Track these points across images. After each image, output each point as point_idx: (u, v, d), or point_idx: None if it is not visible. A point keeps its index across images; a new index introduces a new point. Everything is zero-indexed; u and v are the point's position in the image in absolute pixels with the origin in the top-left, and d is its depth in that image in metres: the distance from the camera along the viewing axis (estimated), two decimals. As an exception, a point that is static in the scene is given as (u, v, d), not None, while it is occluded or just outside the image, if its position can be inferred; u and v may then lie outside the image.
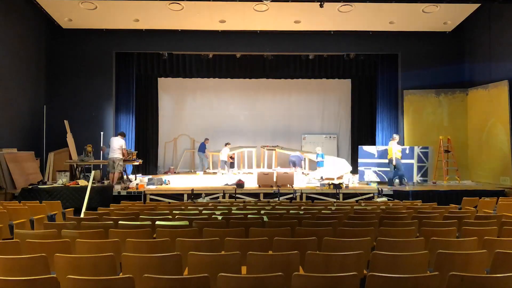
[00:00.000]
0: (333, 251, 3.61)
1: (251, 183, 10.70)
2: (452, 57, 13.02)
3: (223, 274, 2.71)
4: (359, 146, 11.77)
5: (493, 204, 7.05)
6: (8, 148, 10.13)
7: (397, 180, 10.54)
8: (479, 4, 11.12)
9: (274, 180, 10.27)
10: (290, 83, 15.58)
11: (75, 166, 11.17)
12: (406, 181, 10.67)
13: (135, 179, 11.42)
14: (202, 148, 14.37)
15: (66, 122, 11.80)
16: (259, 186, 10.15)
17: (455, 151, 12.25)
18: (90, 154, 11.34)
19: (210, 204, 7.34)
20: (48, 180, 10.66)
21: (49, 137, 11.86)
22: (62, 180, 9.76)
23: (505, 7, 10.86)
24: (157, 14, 11.49)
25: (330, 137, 15.71)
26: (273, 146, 14.63)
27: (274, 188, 10.04)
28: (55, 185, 9.55)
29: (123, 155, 10.28)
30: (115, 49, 12.84)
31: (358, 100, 15.53)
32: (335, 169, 12.31)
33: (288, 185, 10.17)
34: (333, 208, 6.67)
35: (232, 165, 14.17)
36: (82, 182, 9.69)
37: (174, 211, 6.09)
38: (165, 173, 14.44)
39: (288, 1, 10.33)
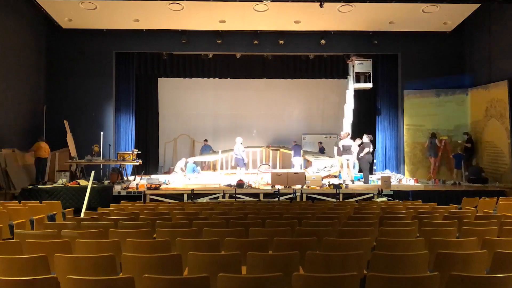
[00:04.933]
0: (333, 251, 3.61)
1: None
2: (452, 57, 13.01)
3: (223, 274, 2.71)
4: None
5: (493, 204, 7.05)
6: (8, 148, 10.14)
7: None
8: (479, 4, 11.11)
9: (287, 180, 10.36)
10: (290, 83, 15.57)
11: (75, 166, 11.18)
12: None
13: (134, 180, 11.42)
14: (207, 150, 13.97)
15: (66, 122, 11.80)
16: (273, 186, 10.22)
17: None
18: (97, 154, 11.38)
19: (210, 204, 7.35)
20: (48, 180, 10.67)
21: (49, 137, 11.83)
22: (62, 180, 9.77)
23: (505, 7, 10.85)
24: (157, 14, 11.48)
25: (330, 137, 15.70)
26: (277, 146, 14.67)
27: (276, 188, 10.05)
28: (55, 185, 9.56)
29: None
30: (115, 49, 12.83)
31: (358, 100, 15.48)
32: (326, 168, 12.43)
33: (298, 185, 10.21)
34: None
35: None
36: (82, 182, 9.70)
37: (174, 211, 6.09)
38: (165, 173, 14.42)
39: (288, 1, 10.33)
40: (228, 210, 6.22)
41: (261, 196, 9.78)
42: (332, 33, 12.81)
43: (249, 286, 2.74)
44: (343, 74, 14.92)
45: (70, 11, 11.31)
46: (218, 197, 9.63)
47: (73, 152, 11.46)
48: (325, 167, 12.56)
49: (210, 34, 12.68)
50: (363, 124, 15.23)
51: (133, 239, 3.85)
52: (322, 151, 14.46)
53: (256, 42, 12.78)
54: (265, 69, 14.54)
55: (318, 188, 10.14)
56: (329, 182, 10.47)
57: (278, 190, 9.76)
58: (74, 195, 9.06)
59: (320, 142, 14.95)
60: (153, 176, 12.30)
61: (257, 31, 12.69)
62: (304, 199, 9.67)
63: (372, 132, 14.55)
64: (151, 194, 9.64)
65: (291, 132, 15.76)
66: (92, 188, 8.29)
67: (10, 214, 5.81)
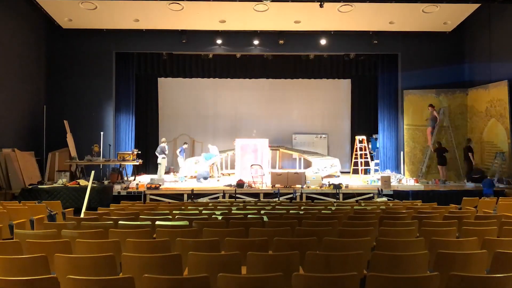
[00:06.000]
0: (333, 251, 3.61)
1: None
2: (452, 57, 13.00)
3: (223, 274, 2.71)
4: None
5: (493, 204, 7.05)
6: (8, 148, 10.14)
7: None
8: (479, 4, 11.11)
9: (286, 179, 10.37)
10: (290, 83, 15.56)
11: (75, 166, 11.19)
12: None
13: (134, 180, 11.42)
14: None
15: (66, 122, 11.80)
16: (273, 186, 10.22)
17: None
18: (97, 154, 11.40)
19: (210, 204, 7.35)
20: (47, 180, 10.67)
21: (49, 137, 11.85)
22: (62, 180, 9.77)
23: (505, 7, 10.86)
24: (157, 14, 11.48)
25: (320, 136, 15.69)
26: (277, 146, 14.66)
27: (276, 187, 10.05)
28: (55, 185, 9.56)
29: None
30: (115, 49, 12.82)
31: (358, 100, 15.52)
32: (326, 168, 12.48)
33: (298, 185, 10.22)
34: (333, 208, 6.67)
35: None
36: (82, 182, 9.70)
37: (174, 211, 6.09)
38: (165, 173, 14.39)
39: (288, 1, 10.33)
40: (228, 211, 6.21)
41: (261, 196, 9.79)
42: (332, 33, 12.80)
43: (249, 286, 2.74)
44: (343, 74, 14.94)
45: (70, 11, 11.31)
46: (218, 197, 9.63)
47: (73, 152, 11.46)
48: (325, 167, 12.57)
49: (210, 34, 12.67)
50: (363, 124, 15.26)
51: (133, 239, 3.85)
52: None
53: (256, 42, 12.79)
54: (265, 69, 14.55)
55: (318, 188, 10.15)
56: (329, 182, 10.48)
57: (278, 190, 9.76)
58: (74, 195, 9.06)
59: None
60: (154, 176, 12.27)
61: (257, 31, 12.69)
62: (304, 199, 9.68)
63: (372, 132, 14.60)
64: (151, 194, 9.64)
65: (292, 132, 15.78)
66: (92, 188, 8.28)
67: (10, 214, 5.81)
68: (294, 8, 10.98)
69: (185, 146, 13.22)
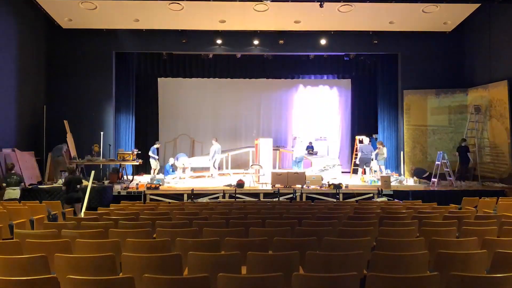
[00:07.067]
0: (333, 251, 3.61)
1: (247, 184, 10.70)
2: (452, 57, 13.01)
3: (223, 274, 2.71)
4: None
5: (493, 204, 7.05)
6: (8, 148, 10.14)
7: None
8: (479, 4, 11.11)
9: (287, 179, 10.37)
10: (290, 83, 15.58)
11: (75, 166, 11.18)
12: None
13: (133, 180, 11.41)
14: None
15: (66, 122, 11.80)
16: (273, 186, 10.23)
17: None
18: (97, 154, 11.40)
19: (210, 204, 7.35)
20: (47, 180, 10.67)
21: (49, 137, 11.85)
22: (62, 180, 9.76)
23: (505, 7, 10.86)
24: (157, 14, 11.48)
25: (320, 137, 15.71)
26: (277, 146, 14.66)
27: (278, 187, 10.05)
28: (55, 185, 9.56)
29: None
30: (115, 49, 12.81)
31: (358, 100, 15.53)
32: (326, 168, 12.51)
33: (298, 185, 10.21)
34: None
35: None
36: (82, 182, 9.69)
37: (174, 211, 6.09)
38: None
39: (288, 1, 10.33)
40: (228, 210, 6.21)
41: (261, 196, 9.79)
42: (332, 33, 12.80)
43: (249, 286, 2.74)
44: (343, 74, 14.95)
45: (70, 11, 11.31)
46: (218, 197, 9.63)
47: (73, 152, 11.46)
48: (325, 167, 12.56)
49: (210, 34, 12.67)
50: (363, 124, 15.27)
51: (133, 239, 3.85)
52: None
53: (256, 42, 12.79)
54: (265, 69, 14.55)
55: (318, 188, 10.15)
56: (329, 182, 10.48)
57: (278, 190, 9.76)
58: (74, 195, 9.03)
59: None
60: (157, 176, 12.25)
61: (257, 31, 12.69)
62: (304, 199, 9.68)
63: (372, 132, 14.60)
64: (151, 194, 9.64)
65: (291, 132, 15.78)
66: (92, 188, 8.29)
67: (10, 214, 5.81)
68: (294, 8, 10.98)
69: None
